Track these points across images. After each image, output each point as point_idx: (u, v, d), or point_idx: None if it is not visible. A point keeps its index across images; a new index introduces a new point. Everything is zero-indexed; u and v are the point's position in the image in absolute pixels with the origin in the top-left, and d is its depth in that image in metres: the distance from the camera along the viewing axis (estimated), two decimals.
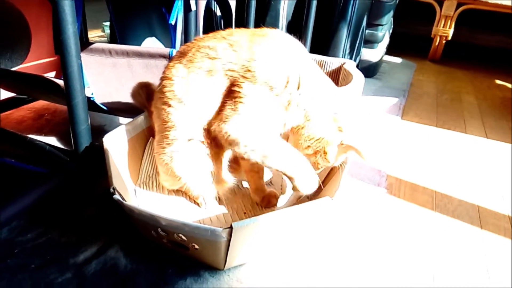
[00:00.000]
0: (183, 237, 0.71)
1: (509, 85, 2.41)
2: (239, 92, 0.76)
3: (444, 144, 1.53)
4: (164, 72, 0.86)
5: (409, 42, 3.13)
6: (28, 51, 1.47)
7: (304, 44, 1.74)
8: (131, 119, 1.01)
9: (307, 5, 1.64)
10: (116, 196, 0.72)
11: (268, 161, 0.77)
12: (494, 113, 1.92)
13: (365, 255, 0.89)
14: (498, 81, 2.49)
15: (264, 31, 0.82)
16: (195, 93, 0.80)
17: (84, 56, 1.43)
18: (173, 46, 1.39)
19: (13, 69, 1.47)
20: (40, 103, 1.51)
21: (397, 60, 2.72)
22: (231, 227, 0.66)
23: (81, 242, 0.84)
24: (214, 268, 0.80)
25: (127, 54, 1.41)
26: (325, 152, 0.81)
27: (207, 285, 0.76)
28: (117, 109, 1.23)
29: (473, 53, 3.13)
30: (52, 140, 1.24)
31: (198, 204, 0.94)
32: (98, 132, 1.08)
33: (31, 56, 1.49)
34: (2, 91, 1.39)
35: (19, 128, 1.32)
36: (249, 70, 0.76)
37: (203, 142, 0.84)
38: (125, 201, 0.74)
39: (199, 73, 0.79)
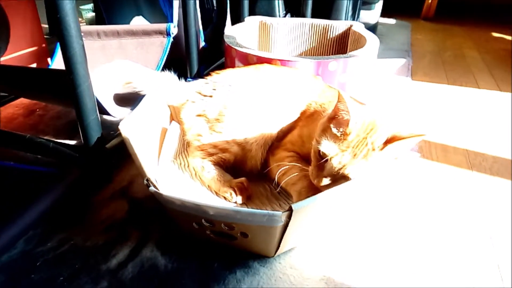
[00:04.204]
0: (233, 226, 0.63)
1: (507, 37, 2.37)
2: None
3: (460, 101, 1.47)
4: None
5: (400, 2, 3.04)
6: (8, 43, 1.32)
7: (305, 8, 1.64)
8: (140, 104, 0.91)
9: None
10: (152, 188, 0.62)
11: None
12: (500, 65, 1.87)
13: (415, 222, 0.83)
14: (495, 34, 2.44)
15: None
16: None
17: None
18: (170, 20, 1.27)
19: None
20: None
21: (391, 21, 2.64)
22: (290, 210, 0.58)
23: (110, 244, 0.75)
24: (262, 257, 0.73)
25: (117, 34, 1.29)
26: None
27: (260, 276, 0.69)
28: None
29: (465, 8, 3.07)
30: (51, 137, 1.12)
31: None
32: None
33: (10, 48, 1.35)
34: None
35: (11, 127, 1.19)
36: None
37: None
38: (159, 191, 0.64)
39: None
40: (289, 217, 0.59)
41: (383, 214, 0.85)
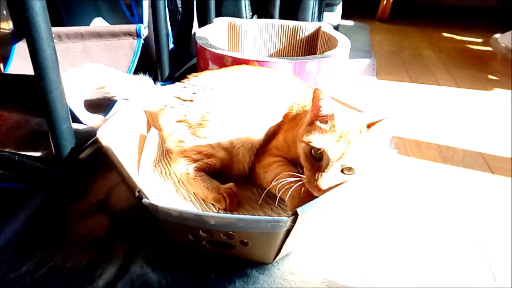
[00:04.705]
0: (233, 235, 0.60)
1: (456, 37, 2.52)
2: None
3: (424, 98, 1.54)
4: None
5: (356, 3, 3.14)
6: None
7: (273, 9, 1.64)
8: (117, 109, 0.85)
9: None
10: (146, 200, 0.58)
11: None
12: (455, 63, 1.98)
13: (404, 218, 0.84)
14: (445, 34, 2.59)
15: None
16: None
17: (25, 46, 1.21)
18: (137, 21, 1.21)
19: None
20: None
21: (350, 22, 2.71)
22: (296, 214, 0.56)
23: (94, 263, 0.69)
24: (260, 264, 0.70)
25: (81, 36, 1.21)
26: None
27: (260, 285, 0.66)
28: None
29: (417, 10, 3.24)
30: (12, 150, 1.02)
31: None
32: None
33: None
34: None
35: None
36: None
37: None
38: (151, 202, 0.60)
39: None
40: (294, 222, 0.57)
41: (373, 212, 0.85)
